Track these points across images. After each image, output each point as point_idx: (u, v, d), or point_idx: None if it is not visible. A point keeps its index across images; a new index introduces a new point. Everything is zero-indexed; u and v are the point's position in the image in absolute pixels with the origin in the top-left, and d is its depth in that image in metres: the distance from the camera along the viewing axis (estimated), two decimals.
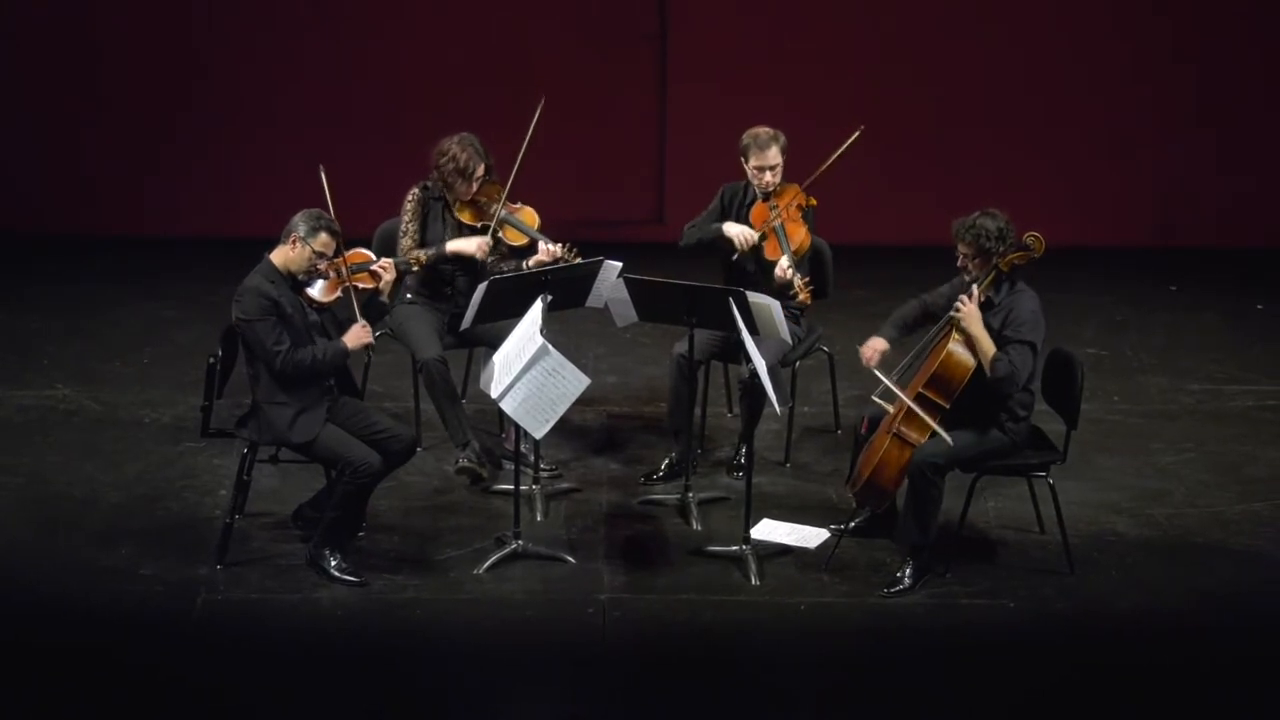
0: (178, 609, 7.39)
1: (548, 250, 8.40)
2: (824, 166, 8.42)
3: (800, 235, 8.42)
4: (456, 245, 8.46)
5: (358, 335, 7.62)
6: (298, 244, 7.54)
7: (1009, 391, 7.53)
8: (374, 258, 7.87)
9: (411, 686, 6.97)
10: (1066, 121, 11.78)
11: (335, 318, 7.69)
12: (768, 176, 8.47)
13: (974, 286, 7.62)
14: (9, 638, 7.22)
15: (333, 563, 7.58)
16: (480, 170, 8.45)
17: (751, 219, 8.50)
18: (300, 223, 7.55)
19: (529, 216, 8.57)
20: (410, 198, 8.53)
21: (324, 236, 7.55)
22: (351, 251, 7.80)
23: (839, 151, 8.40)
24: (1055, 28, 11.69)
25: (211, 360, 7.77)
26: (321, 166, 7.80)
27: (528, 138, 8.44)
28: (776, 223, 8.41)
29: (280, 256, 7.57)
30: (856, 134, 8.40)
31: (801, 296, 8.21)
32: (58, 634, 7.22)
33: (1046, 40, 11.71)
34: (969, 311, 7.58)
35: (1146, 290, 11.21)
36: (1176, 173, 11.85)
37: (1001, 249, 7.60)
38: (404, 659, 7.15)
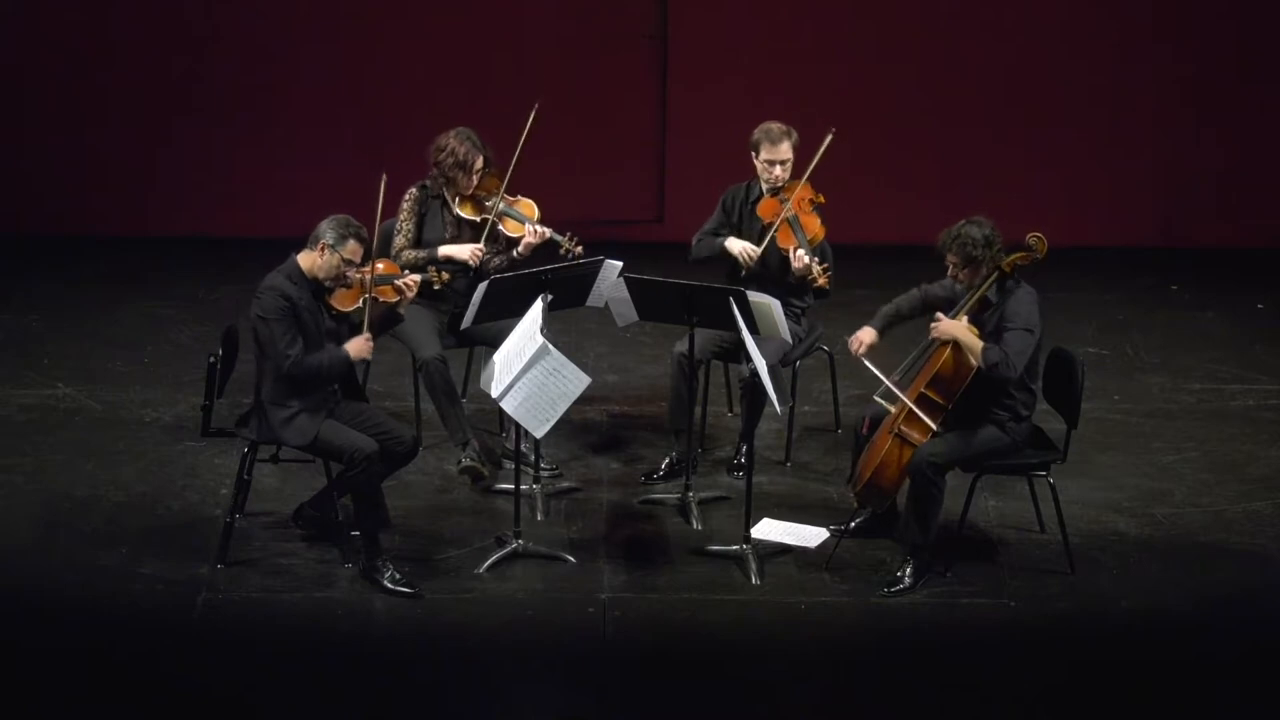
0: (178, 609, 7.39)
1: (534, 232, 8.41)
2: (805, 176, 8.43)
3: (815, 225, 8.42)
4: (450, 250, 8.47)
5: (360, 347, 7.57)
6: (326, 251, 7.45)
7: (1006, 377, 7.47)
8: (402, 272, 7.81)
9: (412, 686, 6.97)
10: (1066, 121, 11.77)
11: (351, 324, 7.65)
12: (778, 171, 8.46)
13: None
14: (9, 638, 7.22)
15: (386, 574, 7.52)
16: (479, 163, 8.45)
17: (760, 213, 8.50)
18: (328, 230, 7.47)
19: (528, 208, 8.58)
20: (408, 197, 8.53)
21: (353, 244, 7.47)
22: (383, 263, 7.75)
23: (816, 158, 8.41)
24: (1055, 28, 11.68)
25: (212, 360, 7.76)
26: (384, 176, 7.63)
27: (522, 140, 8.45)
28: (790, 213, 8.41)
29: (307, 261, 7.50)
30: (829, 137, 8.40)
31: (821, 281, 8.23)
32: (58, 634, 7.22)
33: (1046, 40, 11.70)
34: (942, 328, 7.58)
35: (1146, 290, 11.20)
36: (1177, 173, 11.84)
37: (990, 255, 7.58)
38: (404, 659, 7.15)
